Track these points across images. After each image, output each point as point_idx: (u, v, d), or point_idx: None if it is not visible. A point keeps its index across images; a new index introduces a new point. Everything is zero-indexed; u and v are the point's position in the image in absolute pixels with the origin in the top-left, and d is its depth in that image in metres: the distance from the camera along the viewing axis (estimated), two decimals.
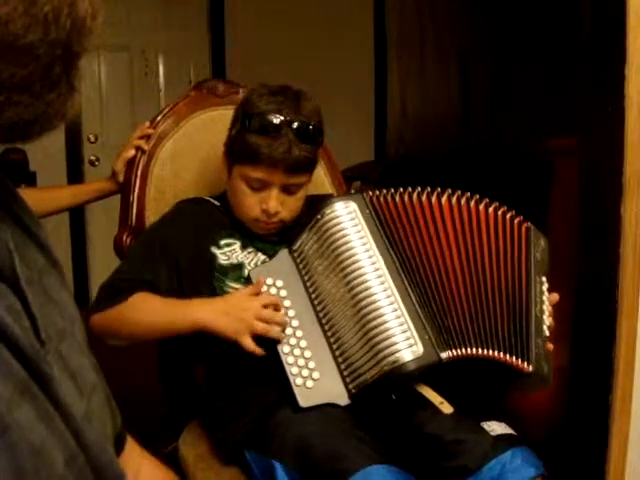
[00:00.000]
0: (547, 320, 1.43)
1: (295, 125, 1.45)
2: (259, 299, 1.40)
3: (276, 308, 1.40)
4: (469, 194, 1.48)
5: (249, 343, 1.36)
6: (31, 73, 0.48)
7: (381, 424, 1.39)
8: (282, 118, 1.45)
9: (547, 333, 1.42)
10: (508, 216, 1.48)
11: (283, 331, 1.39)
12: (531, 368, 1.32)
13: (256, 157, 1.45)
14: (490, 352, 1.32)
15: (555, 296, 1.48)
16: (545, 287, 1.46)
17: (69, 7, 0.48)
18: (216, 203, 1.61)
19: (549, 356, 1.39)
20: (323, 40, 4.57)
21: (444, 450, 1.32)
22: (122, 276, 1.50)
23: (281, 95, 1.49)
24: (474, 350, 1.32)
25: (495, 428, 1.34)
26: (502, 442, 1.32)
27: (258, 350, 1.36)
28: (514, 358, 1.32)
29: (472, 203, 1.46)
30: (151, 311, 1.45)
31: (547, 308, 1.44)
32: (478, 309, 1.36)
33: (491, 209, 1.47)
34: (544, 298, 1.44)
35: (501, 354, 1.32)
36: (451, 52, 5.14)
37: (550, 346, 1.41)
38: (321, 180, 1.87)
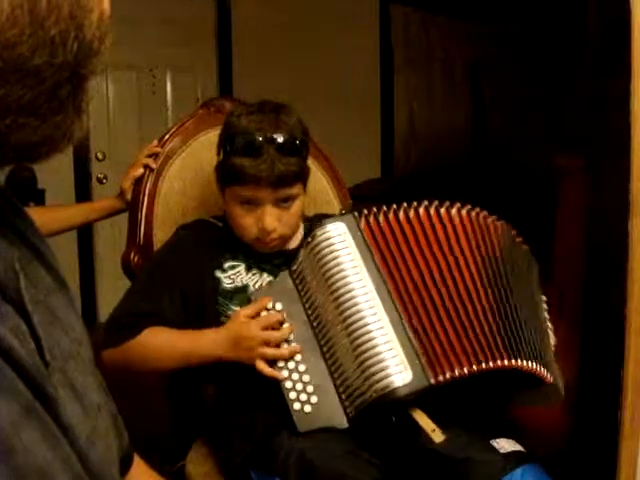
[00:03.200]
0: (550, 335, 1.45)
1: (276, 141, 1.44)
2: (258, 323, 1.39)
3: (279, 323, 1.40)
4: (478, 208, 1.47)
5: (266, 369, 1.37)
6: (37, 96, 0.48)
7: (385, 443, 1.38)
8: (262, 135, 1.44)
9: (553, 347, 1.45)
10: (513, 233, 1.48)
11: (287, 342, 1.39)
12: (552, 379, 1.34)
13: (241, 178, 1.45)
14: (520, 362, 1.31)
15: None
16: (545, 304, 1.49)
17: (76, 30, 0.48)
18: (219, 224, 1.61)
19: (559, 371, 1.40)
20: (330, 57, 4.58)
21: (455, 469, 1.31)
22: (128, 310, 1.51)
23: (259, 112, 1.48)
24: (504, 362, 1.31)
25: (504, 446, 1.33)
26: (512, 460, 1.31)
27: (271, 372, 1.37)
28: (541, 368, 1.33)
29: (481, 216, 1.46)
30: (160, 349, 1.46)
31: (550, 325, 1.46)
32: (504, 321, 1.36)
33: (499, 224, 1.47)
34: (546, 315, 1.48)
35: (530, 364, 1.32)
36: (460, 69, 5.16)
37: None
38: (328, 198, 1.87)
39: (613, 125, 1.70)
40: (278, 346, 1.38)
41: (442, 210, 1.44)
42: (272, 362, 1.38)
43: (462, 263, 1.39)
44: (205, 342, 1.43)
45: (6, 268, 0.51)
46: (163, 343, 1.46)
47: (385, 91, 5.02)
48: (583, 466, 1.87)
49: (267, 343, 1.38)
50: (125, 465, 0.78)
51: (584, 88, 1.84)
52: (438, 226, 1.42)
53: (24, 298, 0.51)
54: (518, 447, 1.36)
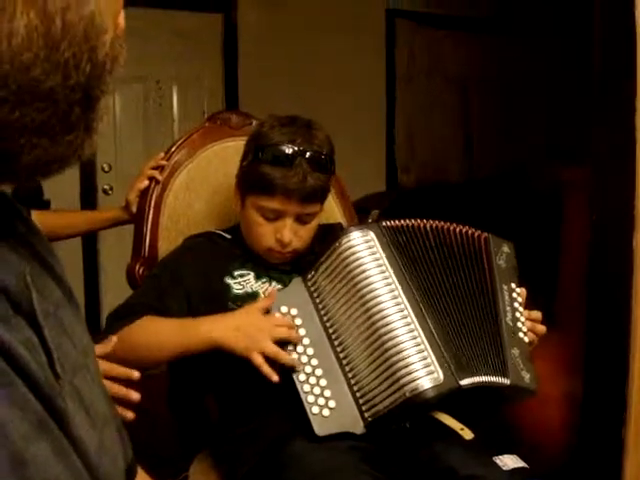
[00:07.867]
0: (524, 327, 1.43)
1: (308, 155, 1.46)
2: (273, 319, 1.39)
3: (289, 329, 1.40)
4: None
5: (259, 361, 1.34)
6: (50, 117, 0.48)
7: (392, 458, 1.38)
8: (295, 148, 1.46)
9: (526, 339, 1.43)
10: (464, 231, 1.48)
11: (295, 350, 1.38)
12: (508, 381, 1.34)
13: (271, 188, 1.46)
14: (480, 378, 1.33)
15: (536, 313, 1.49)
16: (516, 293, 1.47)
17: (90, 52, 0.49)
18: (227, 236, 1.61)
19: (529, 363, 1.39)
20: (336, 71, 4.60)
21: None
22: (130, 301, 1.50)
23: (292, 125, 1.50)
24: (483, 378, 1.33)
25: (507, 462, 1.33)
26: (516, 477, 1.30)
27: (266, 369, 1.34)
28: (494, 377, 1.34)
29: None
30: (160, 331, 1.44)
31: (522, 314, 1.45)
32: (470, 333, 1.38)
33: (452, 228, 1.49)
34: (516, 305, 1.45)
35: (485, 378, 1.33)
36: (456, 83, 5.18)
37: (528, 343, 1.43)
38: (333, 211, 1.87)
39: (618, 138, 1.71)
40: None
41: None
42: (281, 371, 1.37)
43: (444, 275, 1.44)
44: (205, 322, 1.40)
45: (18, 281, 0.51)
46: (162, 326, 1.44)
47: (390, 104, 5.03)
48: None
49: (274, 339, 1.36)
50: (129, 477, 0.78)
51: (589, 100, 1.84)
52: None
53: (36, 311, 0.51)
54: (521, 463, 1.35)
